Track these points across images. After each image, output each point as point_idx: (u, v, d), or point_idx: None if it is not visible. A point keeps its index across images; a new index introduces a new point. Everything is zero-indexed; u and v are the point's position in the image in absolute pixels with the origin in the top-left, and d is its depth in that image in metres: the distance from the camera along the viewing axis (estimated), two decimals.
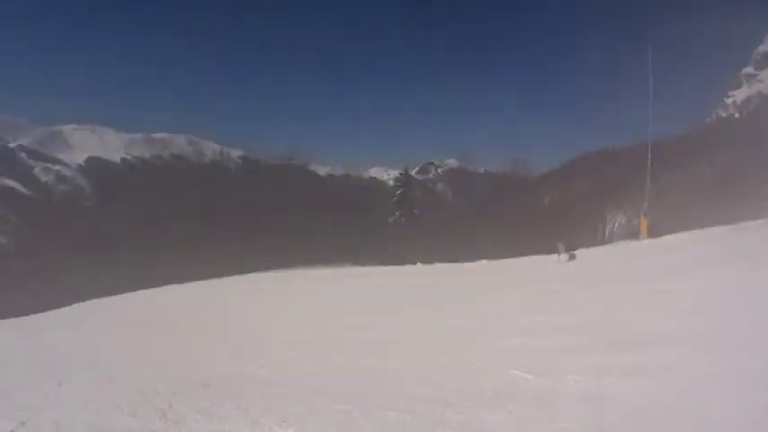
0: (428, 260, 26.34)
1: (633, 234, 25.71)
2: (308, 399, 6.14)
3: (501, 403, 5.52)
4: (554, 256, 19.91)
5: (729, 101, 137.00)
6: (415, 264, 26.28)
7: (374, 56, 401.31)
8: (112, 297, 21.33)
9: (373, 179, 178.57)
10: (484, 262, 23.37)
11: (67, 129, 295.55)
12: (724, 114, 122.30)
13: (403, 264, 26.97)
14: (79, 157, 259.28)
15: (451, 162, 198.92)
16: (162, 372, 7.80)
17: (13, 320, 18.73)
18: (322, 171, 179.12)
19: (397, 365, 7.76)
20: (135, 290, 22.16)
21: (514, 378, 6.48)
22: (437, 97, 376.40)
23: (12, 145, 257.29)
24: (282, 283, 22.87)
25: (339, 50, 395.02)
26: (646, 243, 20.73)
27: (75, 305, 20.53)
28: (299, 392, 6.48)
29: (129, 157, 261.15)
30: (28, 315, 19.41)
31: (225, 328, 12.52)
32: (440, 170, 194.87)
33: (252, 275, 24.20)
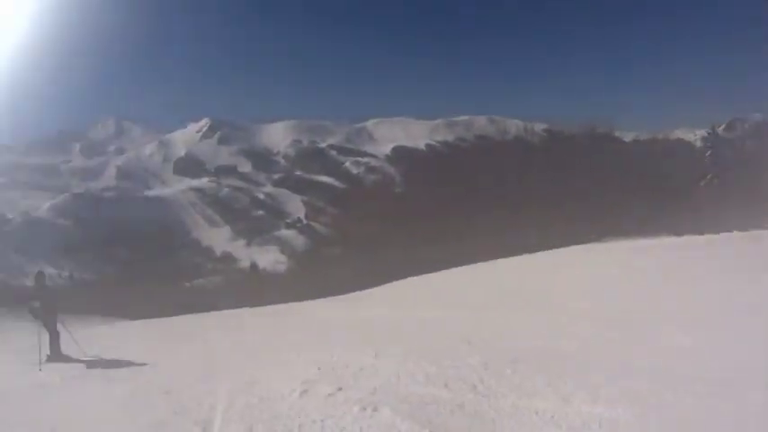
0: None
1: None
2: (619, 378, 6.08)
3: None
4: None
5: None
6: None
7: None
8: (424, 275, 22.16)
9: (680, 140, 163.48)
10: None
11: (371, 124, 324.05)
12: None
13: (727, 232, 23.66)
14: (385, 148, 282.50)
15: (756, 116, 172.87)
16: (474, 346, 8.33)
17: (334, 298, 20.37)
18: (627, 137, 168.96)
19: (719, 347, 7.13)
20: (452, 266, 22.82)
21: None
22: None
23: (322, 145, 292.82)
24: (596, 254, 21.50)
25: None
26: None
27: (390, 284, 21.74)
28: (608, 370, 6.44)
29: (433, 142, 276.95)
30: (347, 293, 20.87)
31: (535, 302, 11.95)
32: (746, 125, 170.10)
33: (563, 250, 23.30)
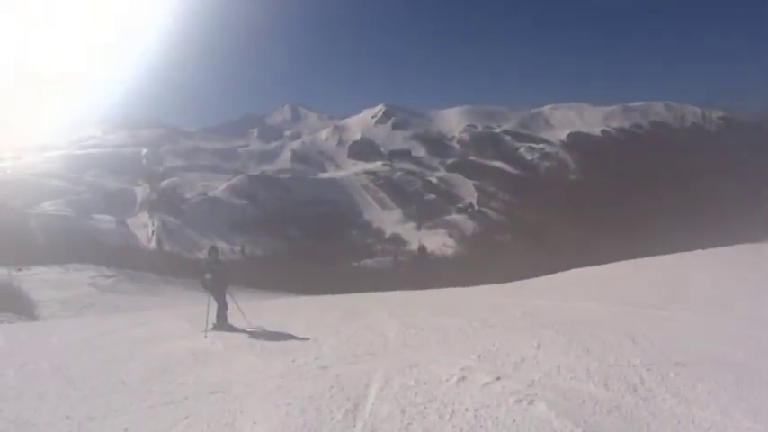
0: None
1: None
2: None
3: None
4: None
5: None
6: None
7: None
8: (591, 267, 21.37)
9: None
10: None
11: (546, 109, 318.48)
12: None
13: None
14: (561, 134, 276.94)
15: None
16: (638, 345, 8.02)
17: (501, 285, 21.31)
18: None
19: None
20: (619, 260, 21.86)
21: None
22: None
23: (497, 130, 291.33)
24: None
25: None
26: None
27: (557, 273, 21.24)
28: None
29: (608, 128, 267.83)
30: (514, 281, 20.68)
31: (706, 303, 11.15)
32: None
33: (740, 247, 21.45)
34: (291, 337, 11.19)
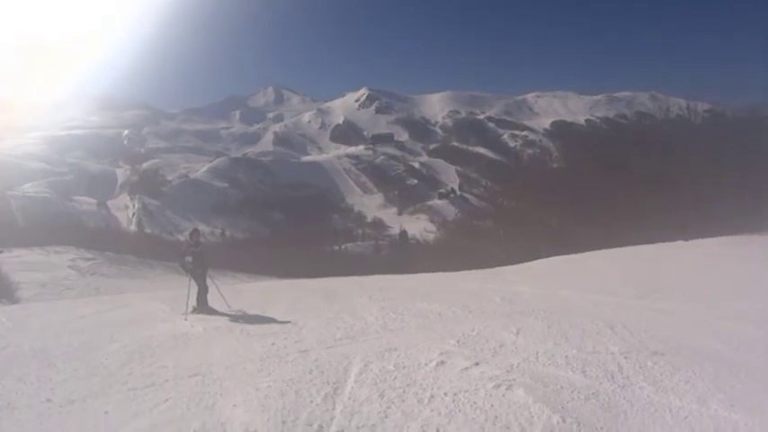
0: None
1: None
2: (765, 387, 5.90)
3: None
4: None
5: None
6: None
7: None
8: (571, 255, 21.65)
9: None
10: None
11: (531, 97, 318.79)
12: None
13: None
14: (544, 122, 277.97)
15: None
16: (617, 334, 8.21)
17: (481, 271, 21.42)
18: None
19: None
20: (602, 248, 22.21)
21: None
22: None
23: (480, 116, 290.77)
24: (757, 248, 19.88)
25: None
26: None
27: (537, 261, 21.56)
28: (755, 378, 6.18)
29: (593, 117, 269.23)
30: (494, 267, 20.83)
31: (685, 295, 11.34)
32: None
33: (719, 240, 21.78)
34: (271, 320, 11.16)
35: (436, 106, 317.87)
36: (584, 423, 5.07)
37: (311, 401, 6.01)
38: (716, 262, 17.49)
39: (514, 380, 6.24)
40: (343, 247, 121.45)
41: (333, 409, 5.76)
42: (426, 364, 7.03)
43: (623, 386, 5.96)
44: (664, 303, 10.67)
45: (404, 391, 6.12)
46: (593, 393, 5.77)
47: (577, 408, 5.42)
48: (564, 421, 5.10)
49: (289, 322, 10.72)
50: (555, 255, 23.35)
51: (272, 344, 8.80)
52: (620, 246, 23.17)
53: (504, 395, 5.81)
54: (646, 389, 5.84)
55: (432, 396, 5.93)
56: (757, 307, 9.92)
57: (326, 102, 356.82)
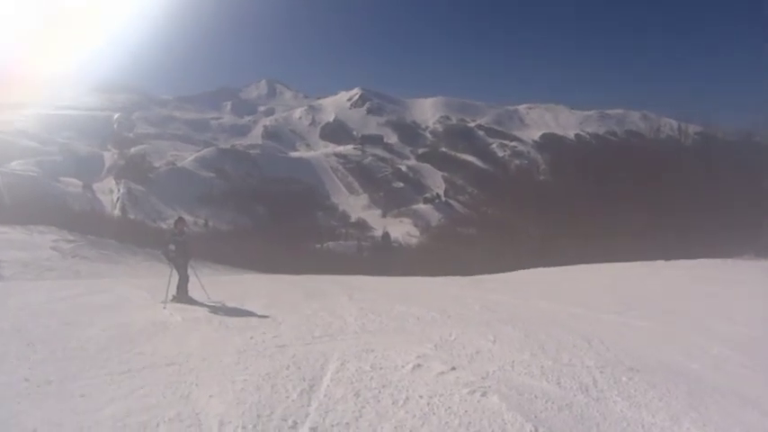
0: None
1: None
2: (738, 408, 5.97)
3: None
4: None
5: None
6: None
7: None
8: (550, 268, 21.83)
9: None
10: None
11: (522, 108, 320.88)
12: None
13: None
14: (534, 134, 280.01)
15: None
16: (594, 348, 8.25)
17: (461, 277, 21.53)
18: None
19: None
20: (583, 263, 22.41)
21: None
22: None
23: (471, 124, 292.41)
24: (741, 271, 20.08)
25: None
26: None
27: (518, 271, 21.61)
28: (729, 398, 6.24)
29: (582, 132, 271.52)
30: (474, 275, 20.93)
31: (664, 313, 11.46)
32: None
33: (703, 262, 21.98)
34: (251, 313, 11.16)
35: (428, 111, 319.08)
36: None
37: (287, 397, 6.02)
38: (695, 283, 17.64)
39: (489, 387, 6.26)
40: (325, 245, 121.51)
41: (308, 406, 5.78)
42: (403, 367, 7.04)
43: (597, 399, 6.00)
44: (641, 320, 10.75)
45: (379, 392, 6.15)
46: (567, 405, 5.81)
47: (551, 418, 5.46)
48: (536, 430, 5.14)
49: (268, 317, 10.72)
50: (536, 266, 23.50)
51: (251, 337, 8.80)
52: (602, 261, 23.37)
53: (478, 401, 5.84)
54: (619, 403, 5.87)
55: (407, 398, 5.96)
56: (734, 329, 10.03)
57: (319, 99, 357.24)
